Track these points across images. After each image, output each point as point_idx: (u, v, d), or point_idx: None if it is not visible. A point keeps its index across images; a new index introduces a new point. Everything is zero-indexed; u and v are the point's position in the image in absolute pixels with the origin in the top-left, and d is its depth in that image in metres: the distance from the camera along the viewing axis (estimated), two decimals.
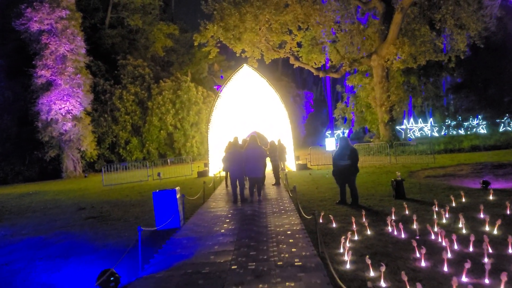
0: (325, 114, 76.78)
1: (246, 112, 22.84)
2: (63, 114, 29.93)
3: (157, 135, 37.44)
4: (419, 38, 28.50)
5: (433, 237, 6.38)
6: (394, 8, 28.87)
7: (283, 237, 7.07)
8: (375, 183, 13.35)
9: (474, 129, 46.52)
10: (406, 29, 29.55)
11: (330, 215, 8.06)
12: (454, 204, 8.65)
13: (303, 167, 21.29)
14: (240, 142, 15.22)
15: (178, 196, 8.94)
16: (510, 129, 41.94)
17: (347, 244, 6.13)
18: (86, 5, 40.55)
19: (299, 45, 33.17)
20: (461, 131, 45.07)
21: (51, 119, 29.58)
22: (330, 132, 71.81)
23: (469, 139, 28.28)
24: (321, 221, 8.01)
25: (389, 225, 7.07)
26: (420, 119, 52.99)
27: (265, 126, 23.25)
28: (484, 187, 10.38)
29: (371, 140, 32.21)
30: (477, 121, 48.64)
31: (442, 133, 48.61)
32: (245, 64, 22.14)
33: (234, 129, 22.63)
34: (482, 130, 45.51)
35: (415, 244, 5.60)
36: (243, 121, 22.89)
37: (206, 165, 21.92)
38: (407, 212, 8.23)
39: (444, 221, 7.37)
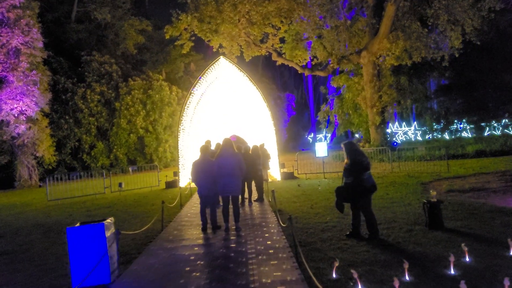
0: (306, 118, 74.34)
1: (223, 112, 19.92)
2: (16, 115, 26.22)
3: (126, 139, 33.95)
4: (413, 34, 25.98)
5: None
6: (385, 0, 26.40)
7: None
8: (387, 201, 10.44)
9: (459, 133, 44.78)
10: (395, 26, 27.05)
11: (351, 269, 4.95)
12: None
13: (289, 176, 18.32)
14: (214, 147, 12.18)
15: (108, 233, 5.79)
16: (495, 133, 40.17)
17: None
18: None
19: (282, 41, 30.38)
20: (446, 136, 43.17)
21: (2, 120, 25.96)
22: (312, 136, 69.41)
23: (468, 143, 25.89)
24: (334, 275, 5.03)
25: None
26: (404, 123, 50.92)
27: (245, 128, 20.29)
28: None
29: (360, 144, 29.51)
30: (461, 125, 46.92)
31: (427, 137, 46.76)
32: (222, 57, 19.05)
33: (210, 132, 19.66)
34: (466, 134, 43.75)
35: None
36: (220, 122, 19.92)
37: (176, 174, 18.75)
38: (467, 259, 5.30)
39: None
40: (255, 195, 12.37)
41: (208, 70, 19.20)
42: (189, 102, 19.28)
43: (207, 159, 8.62)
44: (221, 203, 8.91)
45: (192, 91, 19.30)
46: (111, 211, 12.50)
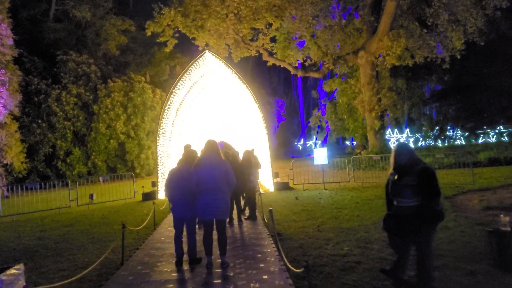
0: (296, 124, 72.32)
1: (209, 114, 17.65)
2: None
3: (106, 145, 31.43)
4: (415, 31, 24.15)
5: None
6: None
7: None
8: None
9: (452, 141, 43.29)
10: (392, 26, 25.18)
11: None
12: None
13: (283, 187, 16.10)
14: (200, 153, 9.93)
15: None
16: (490, 140, 38.58)
17: None
18: None
19: (273, 40, 28.36)
20: (439, 143, 41.55)
21: None
22: (302, 143, 67.41)
23: (476, 150, 23.95)
24: None
25: None
26: (396, 129, 49.22)
27: (233, 133, 18.10)
28: None
29: (357, 151, 27.51)
30: (454, 132, 45.42)
31: (419, 144, 45.27)
32: (207, 51, 16.82)
33: (194, 136, 17.48)
34: (459, 141, 42.25)
35: None
36: (205, 125, 17.70)
37: (154, 184, 16.44)
38: None
39: None
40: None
41: (193, 66, 16.99)
42: (170, 103, 17.04)
43: (186, 168, 6.41)
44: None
45: (173, 91, 17.07)
46: (68, 232, 10.16)
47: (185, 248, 6.44)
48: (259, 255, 6.52)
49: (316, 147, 60.45)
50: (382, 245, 6.56)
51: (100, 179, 24.38)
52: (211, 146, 6.29)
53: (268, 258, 6.30)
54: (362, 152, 27.43)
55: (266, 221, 8.31)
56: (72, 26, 37.40)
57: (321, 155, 15.64)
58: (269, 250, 6.81)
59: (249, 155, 10.52)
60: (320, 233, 7.86)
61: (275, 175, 16.49)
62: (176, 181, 6.28)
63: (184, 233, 6.44)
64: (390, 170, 4.84)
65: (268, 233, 8.07)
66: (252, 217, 9.90)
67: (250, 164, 10.28)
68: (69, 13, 36.47)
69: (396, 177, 4.65)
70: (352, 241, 6.99)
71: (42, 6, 36.16)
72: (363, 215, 9.36)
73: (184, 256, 6.44)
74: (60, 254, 7.91)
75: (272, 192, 15.76)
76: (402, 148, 4.73)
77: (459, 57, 25.58)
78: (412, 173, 4.50)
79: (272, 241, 7.34)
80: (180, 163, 6.70)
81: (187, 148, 7.99)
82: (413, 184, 4.45)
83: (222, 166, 6.12)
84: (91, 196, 16.12)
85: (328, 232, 7.83)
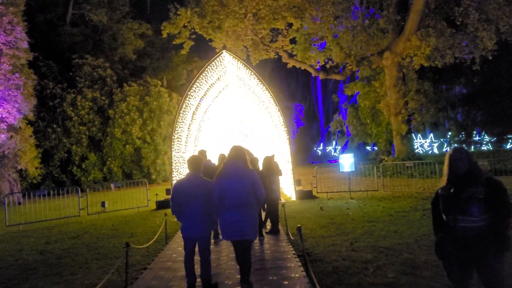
0: (315, 129, 71.10)
1: (226, 117, 16.69)
2: None
3: (121, 151, 30.80)
4: (446, 30, 22.80)
5: None
6: None
7: None
8: None
9: (478, 146, 41.73)
10: (418, 26, 23.88)
11: None
12: None
13: (306, 195, 14.99)
14: (217, 161, 8.96)
15: None
16: None
17: None
18: None
19: (292, 41, 27.32)
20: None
21: None
22: (321, 148, 66.10)
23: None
24: None
25: None
26: (420, 135, 47.53)
27: (251, 137, 17.11)
28: None
29: (383, 157, 26.17)
30: (480, 137, 43.78)
31: (443, 150, 43.85)
32: (225, 51, 15.88)
33: (211, 141, 16.56)
34: (485, 147, 40.67)
35: None
36: (222, 129, 16.75)
37: (169, 191, 15.53)
38: None
39: None
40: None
41: (209, 67, 16.09)
42: (186, 106, 16.16)
43: (197, 178, 5.39)
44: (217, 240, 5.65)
45: (189, 93, 16.18)
46: (73, 246, 9.26)
47: (197, 270, 5.42)
48: (286, 282, 5.45)
49: (336, 152, 59.19)
50: (435, 271, 5.44)
51: (112, 186, 23.58)
52: (237, 152, 5.25)
53: (297, 287, 5.23)
54: (386, 158, 26.14)
55: (292, 237, 7.23)
56: (89, 30, 37.10)
57: (347, 162, 14.49)
58: (297, 275, 5.73)
59: (270, 161, 9.48)
60: (355, 253, 6.75)
61: (297, 182, 15.39)
62: (185, 194, 5.25)
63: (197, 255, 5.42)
64: (442, 182, 3.77)
65: (294, 252, 7.00)
66: (274, 231, 8.86)
67: (271, 171, 9.25)
68: (85, 17, 36.17)
69: (452, 190, 3.58)
70: (395, 265, 5.88)
71: (59, 10, 35.94)
72: (402, 231, 8.21)
73: (198, 280, 5.43)
74: (59, 273, 7.01)
75: (293, 201, 14.66)
76: (460, 153, 3.68)
77: (490, 57, 24.16)
78: (477, 184, 3.45)
79: (299, 262, 6.27)
80: (190, 172, 5.61)
81: (200, 155, 6.99)
82: (479, 197, 3.42)
83: (250, 177, 5.09)
84: (103, 204, 15.34)
85: (364, 252, 6.72)
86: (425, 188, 15.30)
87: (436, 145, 48.03)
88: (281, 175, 10.14)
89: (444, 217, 3.68)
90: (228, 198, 4.97)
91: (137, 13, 43.31)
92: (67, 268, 7.29)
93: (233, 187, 4.98)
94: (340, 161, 14.78)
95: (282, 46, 26.14)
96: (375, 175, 16.13)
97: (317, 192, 15.64)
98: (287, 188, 15.54)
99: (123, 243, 8.96)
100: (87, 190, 15.70)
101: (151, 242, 7.92)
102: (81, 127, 29.28)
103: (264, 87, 15.24)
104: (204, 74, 16.32)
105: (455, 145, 39.09)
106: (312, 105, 74.08)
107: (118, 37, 37.30)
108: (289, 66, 26.98)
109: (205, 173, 6.08)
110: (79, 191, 14.83)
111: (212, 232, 7.54)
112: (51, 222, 13.41)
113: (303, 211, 11.80)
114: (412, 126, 25.42)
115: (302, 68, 27.23)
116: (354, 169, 14.76)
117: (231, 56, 15.83)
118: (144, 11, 49.65)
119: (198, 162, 5.48)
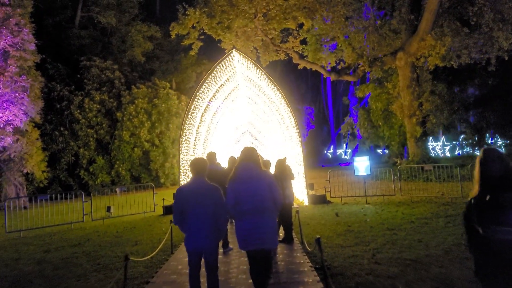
0: (326, 132, 70.25)
1: (236, 119, 16.12)
2: (1, 125, 22.97)
3: (130, 154, 30.35)
4: (462, 29, 22.07)
5: None
6: None
7: None
8: None
9: None
10: (432, 26, 23.18)
11: None
12: None
13: (319, 200, 14.34)
14: (227, 164, 8.41)
15: None
16: None
17: None
18: (52, 2, 34.12)
19: (303, 42, 26.74)
20: (477, 152, 38.93)
21: None
22: (332, 151, 65.26)
23: None
24: None
25: None
26: (431, 138, 46.56)
27: (262, 140, 16.51)
28: None
29: (396, 160, 25.39)
30: (493, 139, 42.76)
31: (456, 153, 42.94)
32: (234, 50, 15.33)
33: (220, 143, 15.98)
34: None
35: None
36: (231, 132, 16.18)
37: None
38: None
39: None
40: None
41: (218, 67, 15.54)
42: (194, 108, 15.62)
43: (202, 183, 4.79)
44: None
45: (198, 94, 15.64)
46: (72, 255, 8.72)
47: (204, 284, 4.83)
48: None
49: (347, 156, 58.37)
50: None
51: (117, 190, 23.04)
52: (249, 153, 4.72)
53: None
54: (399, 161, 25.40)
55: (309, 248, 6.59)
56: (98, 32, 36.86)
57: (362, 165, 13.82)
58: None
59: (283, 164, 8.88)
60: (379, 266, 6.11)
61: (310, 186, 14.75)
62: (188, 201, 4.65)
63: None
64: (475, 189, 3.16)
65: (310, 264, 6.37)
66: (288, 239, 8.24)
67: (284, 175, 8.64)
68: (94, 19, 35.94)
69: (488, 197, 2.99)
70: (426, 281, 5.24)
71: (67, 13, 35.70)
72: (427, 241, 7.54)
73: None
74: (55, 287, 6.46)
75: (306, 206, 14.02)
76: (493, 154, 3.18)
77: (506, 58, 23.39)
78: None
79: (317, 277, 5.65)
80: (194, 176, 4.98)
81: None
82: None
83: (265, 179, 4.58)
84: (108, 209, 14.81)
85: (388, 265, 6.08)
86: (444, 192, 14.57)
87: (448, 148, 47.07)
88: (293, 178, 9.53)
89: (480, 230, 3.06)
90: (243, 203, 4.43)
91: (146, 15, 42.98)
92: (64, 281, 6.74)
93: (248, 191, 4.45)
94: (355, 164, 14.12)
95: (293, 47, 25.58)
96: (392, 178, 15.43)
97: (331, 197, 14.97)
98: (300, 192, 14.90)
99: (126, 252, 8.43)
100: (91, 194, 15.22)
101: (155, 252, 7.35)
102: (88, 130, 28.89)
103: (275, 87, 14.69)
104: (213, 75, 15.76)
105: (485, 146, 38.15)
106: (322, 108, 73.26)
107: (127, 40, 37.00)
108: (300, 67, 26.37)
109: (212, 178, 5.48)
110: (83, 196, 14.28)
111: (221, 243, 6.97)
112: (53, 228, 12.91)
113: (318, 217, 11.15)
114: (427, 128, 24.69)
115: (313, 69, 26.60)
116: (369, 173, 14.10)
117: (241, 56, 15.27)
118: (153, 14, 49.33)
119: (202, 165, 4.86)
